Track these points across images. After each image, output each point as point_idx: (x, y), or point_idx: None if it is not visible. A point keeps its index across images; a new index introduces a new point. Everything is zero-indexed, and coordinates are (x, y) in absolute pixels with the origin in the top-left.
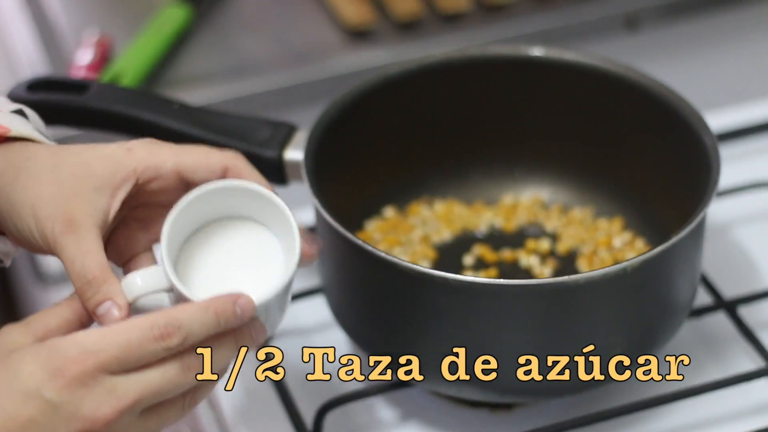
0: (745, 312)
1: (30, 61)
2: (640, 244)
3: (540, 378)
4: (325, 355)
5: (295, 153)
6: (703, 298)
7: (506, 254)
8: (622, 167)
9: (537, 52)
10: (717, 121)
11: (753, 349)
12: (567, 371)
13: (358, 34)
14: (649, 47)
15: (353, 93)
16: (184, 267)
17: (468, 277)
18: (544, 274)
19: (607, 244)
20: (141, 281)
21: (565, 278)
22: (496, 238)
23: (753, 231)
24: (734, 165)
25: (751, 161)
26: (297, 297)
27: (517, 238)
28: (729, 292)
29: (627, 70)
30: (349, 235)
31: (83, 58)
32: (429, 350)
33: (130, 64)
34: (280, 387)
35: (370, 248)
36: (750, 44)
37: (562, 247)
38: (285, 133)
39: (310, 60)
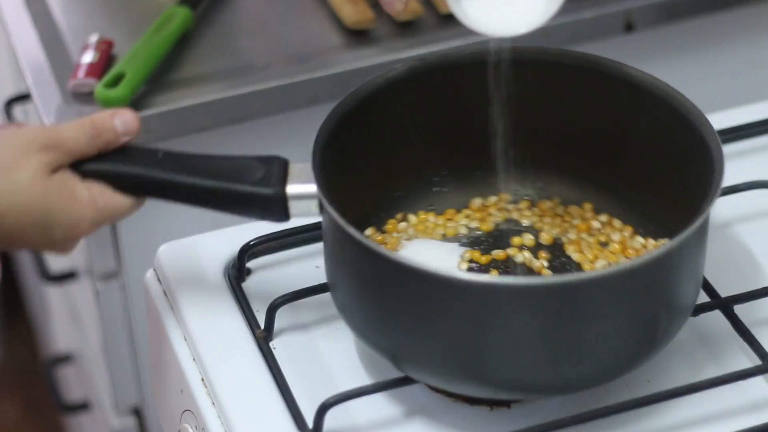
0: (741, 310)
1: (33, 63)
2: (617, 223)
3: (542, 376)
4: (327, 352)
5: (295, 187)
6: (699, 296)
7: (498, 254)
8: (585, 153)
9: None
10: (714, 120)
11: (749, 347)
12: (570, 370)
13: (357, 33)
14: (646, 48)
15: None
16: None
17: (479, 276)
18: (543, 266)
19: (587, 228)
20: None
21: (574, 276)
22: (480, 241)
23: (749, 230)
24: (730, 164)
25: (747, 161)
26: (298, 296)
27: (499, 238)
28: (725, 290)
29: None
30: (356, 234)
31: (85, 59)
32: (433, 348)
33: (131, 66)
34: (282, 384)
35: (379, 249)
36: (748, 45)
37: (546, 238)
38: (279, 169)
39: (310, 60)
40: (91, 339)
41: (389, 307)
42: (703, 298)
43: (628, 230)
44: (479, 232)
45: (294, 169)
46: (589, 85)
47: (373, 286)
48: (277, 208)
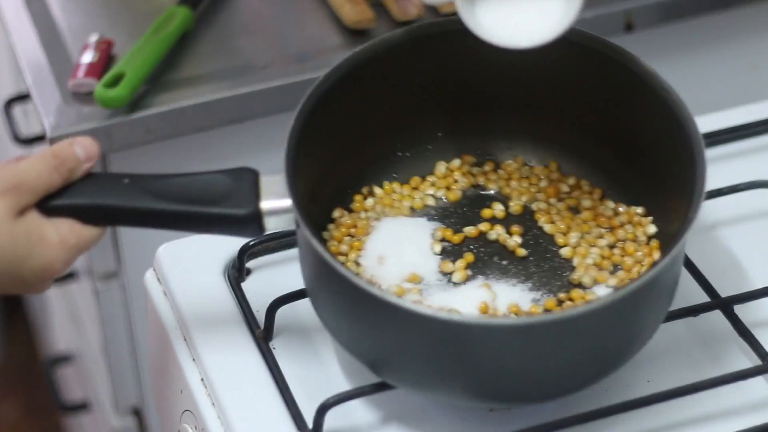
0: (741, 310)
1: (32, 63)
2: (586, 186)
3: (531, 387)
4: (327, 352)
5: (269, 203)
6: (699, 296)
7: (470, 231)
8: (552, 114)
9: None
10: (714, 120)
11: (749, 347)
12: (544, 384)
13: (357, 33)
14: (646, 48)
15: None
16: None
17: (453, 315)
18: (517, 244)
19: (556, 193)
20: None
21: (545, 317)
22: (449, 213)
23: (749, 230)
24: (731, 164)
25: (747, 161)
26: (297, 296)
27: (468, 208)
28: (725, 290)
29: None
30: (335, 263)
31: (85, 59)
32: (407, 365)
33: (131, 66)
34: (282, 384)
35: (356, 280)
36: (748, 45)
37: (516, 206)
38: (250, 184)
39: (310, 60)
40: (91, 339)
41: (363, 324)
42: (703, 298)
43: (597, 193)
44: (447, 203)
45: (265, 182)
46: (561, 52)
47: (348, 307)
48: (252, 226)
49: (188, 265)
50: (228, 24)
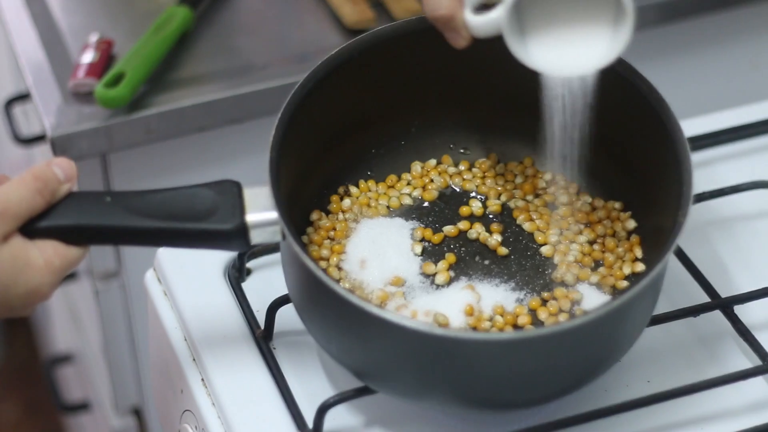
0: (741, 311)
1: (33, 63)
2: (561, 180)
3: (517, 395)
4: (326, 354)
5: (255, 216)
6: (699, 297)
7: (450, 231)
8: (525, 110)
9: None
10: (714, 120)
11: (749, 347)
12: (546, 386)
13: (357, 33)
14: (647, 48)
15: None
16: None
17: (440, 329)
18: (498, 243)
19: (532, 189)
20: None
21: (531, 333)
22: (427, 212)
23: (749, 230)
24: (731, 164)
25: (747, 161)
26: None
27: (446, 207)
28: (725, 290)
29: None
30: (325, 277)
31: (85, 59)
32: (396, 373)
33: (131, 65)
34: (282, 384)
35: (343, 293)
36: (748, 45)
37: (493, 205)
38: (234, 197)
39: (310, 60)
40: (91, 339)
41: (351, 336)
42: (704, 298)
43: (573, 187)
44: (422, 202)
45: (249, 195)
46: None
47: (336, 319)
48: (239, 240)
49: (188, 265)
50: (228, 24)
